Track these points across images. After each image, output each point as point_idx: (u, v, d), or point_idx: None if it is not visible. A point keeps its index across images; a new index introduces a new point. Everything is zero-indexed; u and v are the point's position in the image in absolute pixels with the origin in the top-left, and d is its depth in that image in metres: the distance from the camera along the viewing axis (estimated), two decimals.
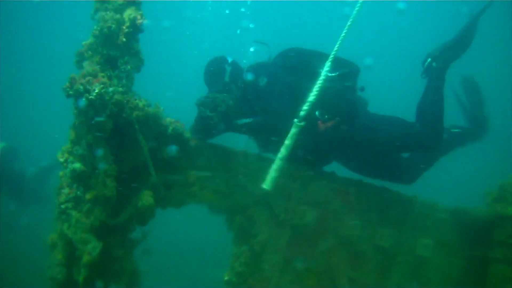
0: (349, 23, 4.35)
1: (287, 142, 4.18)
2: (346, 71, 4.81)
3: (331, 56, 4.35)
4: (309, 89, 4.29)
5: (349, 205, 4.88)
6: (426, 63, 5.24)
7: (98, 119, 3.78)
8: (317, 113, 4.56)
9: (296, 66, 4.93)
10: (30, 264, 10.70)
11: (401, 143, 4.94)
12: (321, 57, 4.73)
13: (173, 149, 4.38)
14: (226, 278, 4.76)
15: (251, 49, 5.65)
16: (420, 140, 4.94)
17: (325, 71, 4.32)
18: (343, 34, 4.33)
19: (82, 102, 3.75)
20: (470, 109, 5.93)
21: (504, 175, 5.28)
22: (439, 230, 5.08)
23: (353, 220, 4.86)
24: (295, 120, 4.20)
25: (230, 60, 5.21)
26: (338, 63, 4.64)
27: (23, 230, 11.15)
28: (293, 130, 4.19)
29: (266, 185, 4.14)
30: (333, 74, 4.65)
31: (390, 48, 27.99)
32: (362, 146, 4.93)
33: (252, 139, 5.20)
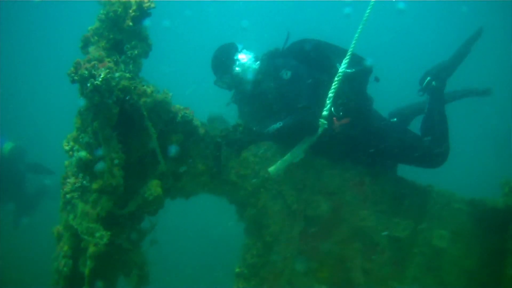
0: (364, 19, 4.37)
1: (307, 138, 4.18)
2: (362, 68, 4.67)
3: (349, 52, 4.27)
4: (328, 84, 4.23)
5: (363, 195, 4.74)
6: (425, 81, 5.26)
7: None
8: (332, 109, 4.40)
9: (315, 59, 4.77)
10: (30, 264, 10.62)
11: (406, 153, 4.85)
12: (339, 52, 4.67)
13: (173, 149, 4.23)
14: (237, 270, 4.63)
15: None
16: (427, 156, 4.84)
17: (343, 67, 4.30)
18: (359, 30, 4.30)
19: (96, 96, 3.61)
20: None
21: (503, 173, 5.15)
22: (456, 221, 4.92)
23: (368, 210, 4.71)
24: (320, 120, 4.20)
25: (240, 48, 5.06)
26: (354, 59, 4.52)
27: (23, 229, 10.97)
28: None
29: (271, 170, 4.16)
30: (350, 71, 4.51)
31: (390, 48, 27.91)
32: (372, 147, 4.79)
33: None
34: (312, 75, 4.61)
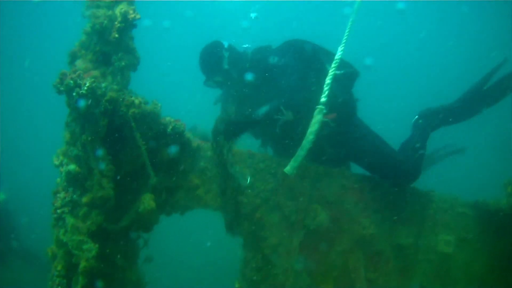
0: (350, 22, 4.32)
1: (311, 129, 4.03)
2: (350, 71, 4.65)
3: (339, 53, 4.24)
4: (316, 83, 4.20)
5: (363, 202, 4.63)
6: (413, 120, 5.25)
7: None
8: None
9: (308, 60, 4.75)
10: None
11: (378, 159, 4.75)
12: (329, 56, 4.62)
13: (173, 149, 4.17)
14: (237, 286, 4.49)
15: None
16: (398, 168, 4.73)
17: (335, 62, 4.24)
18: (346, 33, 4.28)
19: (82, 102, 3.57)
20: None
21: (504, 174, 5.04)
22: (461, 226, 4.78)
23: (369, 218, 4.60)
24: (319, 106, 4.08)
25: (226, 44, 5.01)
26: (342, 63, 4.52)
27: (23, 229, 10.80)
28: (318, 117, 4.06)
29: (287, 170, 3.98)
30: (339, 72, 4.50)
31: (390, 48, 27.97)
32: (350, 146, 4.79)
33: (268, 143, 5.10)
34: (300, 69, 4.59)
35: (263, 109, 4.33)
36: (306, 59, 4.68)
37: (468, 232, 4.80)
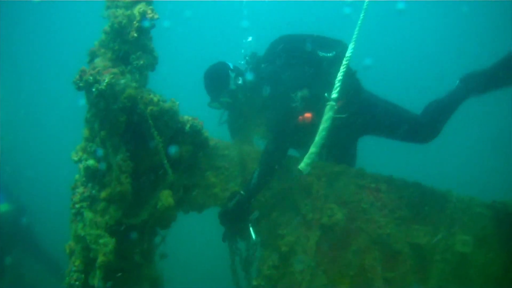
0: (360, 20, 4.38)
1: (323, 125, 4.10)
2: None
3: (350, 51, 4.30)
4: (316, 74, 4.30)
5: (380, 202, 4.63)
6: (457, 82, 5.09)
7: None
8: (326, 94, 4.36)
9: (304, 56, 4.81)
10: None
11: (395, 124, 4.84)
12: (319, 41, 4.82)
13: (172, 149, 4.19)
14: (254, 283, 4.50)
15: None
16: (415, 128, 4.82)
17: (349, 51, 4.31)
18: (357, 30, 4.36)
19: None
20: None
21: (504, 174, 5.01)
22: (478, 226, 4.75)
23: (386, 218, 4.59)
24: (330, 102, 4.15)
25: (231, 65, 5.04)
26: (329, 43, 4.72)
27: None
28: (329, 113, 4.14)
29: (301, 167, 4.02)
30: (331, 54, 4.60)
31: (390, 48, 27.91)
32: (366, 121, 4.86)
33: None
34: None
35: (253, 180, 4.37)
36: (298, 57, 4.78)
37: (485, 232, 4.77)
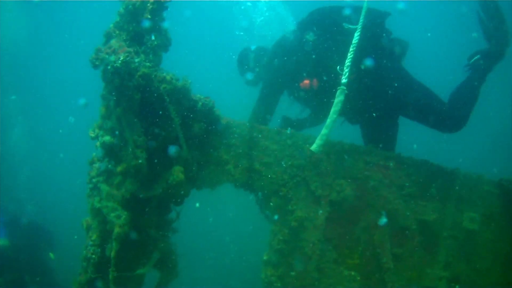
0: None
1: (334, 108, 4.29)
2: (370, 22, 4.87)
3: (356, 38, 4.46)
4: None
5: (388, 179, 4.71)
6: (473, 59, 5.14)
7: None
8: (337, 68, 4.55)
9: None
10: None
11: (424, 108, 4.91)
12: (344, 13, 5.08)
13: (172, 149, 4.29)
14: (265, 257, 4.61)
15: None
16: (442, 117, 4.87)
17: (352, 46, 4.44)
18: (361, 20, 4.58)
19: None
20: (493, 30, 5.27)
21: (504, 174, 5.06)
22: (486, 203, 4.83)
23: (394, 194, 4.68)
24: (340, 87, 4.31)
25: (253, 48, 5.75)
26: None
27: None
28: (340, 97, 4.31)
29: (313, 148, 4.30)
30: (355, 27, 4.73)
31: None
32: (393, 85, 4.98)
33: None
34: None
35: None
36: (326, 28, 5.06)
37: (493, 210, 4.85)
